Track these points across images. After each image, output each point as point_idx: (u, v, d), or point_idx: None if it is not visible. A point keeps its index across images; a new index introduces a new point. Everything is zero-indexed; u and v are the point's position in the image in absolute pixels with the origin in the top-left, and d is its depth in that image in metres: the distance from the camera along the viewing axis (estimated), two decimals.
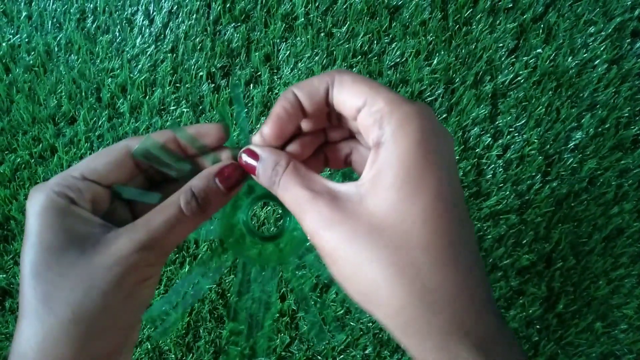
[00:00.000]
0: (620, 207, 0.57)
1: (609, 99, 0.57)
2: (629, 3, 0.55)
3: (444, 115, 0.57)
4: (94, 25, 0.58)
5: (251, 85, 0.58)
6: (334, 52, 0.57)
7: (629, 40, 0.56)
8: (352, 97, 0.25)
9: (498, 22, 0.56)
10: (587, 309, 0.58)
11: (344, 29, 0.57)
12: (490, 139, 0.57)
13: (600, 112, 0.57)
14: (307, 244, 0.34)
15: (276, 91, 0.58)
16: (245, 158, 0.28)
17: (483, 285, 0.23)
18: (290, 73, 0.57)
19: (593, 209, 0.58)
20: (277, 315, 0.59)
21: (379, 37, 0.57)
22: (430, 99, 0.57)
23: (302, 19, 0.57)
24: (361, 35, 0.57)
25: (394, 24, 0.57)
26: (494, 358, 0.22)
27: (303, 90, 0.26)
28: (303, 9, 0.57)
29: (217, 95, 0.58)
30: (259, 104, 0.58)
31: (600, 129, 0.57)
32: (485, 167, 0.58)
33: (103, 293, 0.25)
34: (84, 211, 0.27)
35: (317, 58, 0.57)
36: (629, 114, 0.57)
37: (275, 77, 0.58)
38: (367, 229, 0.23)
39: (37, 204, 0.26)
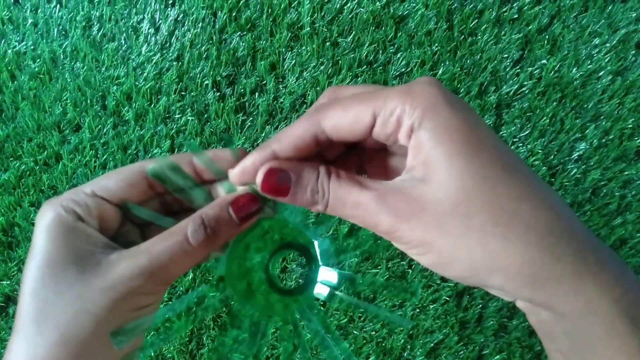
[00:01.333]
0: (624, 217, 0.58)
1: (613, 110, 0.57)
2: (633, 15, 0.56)
3: None
4: (99, 33, 0.59)
5: (256, 94, 0.58)
6: (340, 62, 0.57)
7: (633, 52, 0.56)
8: (354, 121, 0.23)
9: (503, 33, 0.56)
10: None
11: (350, 38, 0.57)
12: None
13: (604, 123, 0.57)
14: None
15: (281, 100, 0.58)
16: (272, 179, 0.24)
17: (584, 228, 0.22)
18: (295, 82, 0.58)
19: (596, 219, 0.58)
20: (280, 323, 0.59)
21: (385, 46, 0.57)
22: None
23: (308, 28, 0.57)
24: (367, 45, 0.57)
25: (400, 33, 0.57)
26: (626, 290, 0.21)
27: (285, 147, 0.25)
28: (309, 18, 0.57)
29: (222, 103, 0.58)
30: (264, 112, 0.58)
31: (604, 140, 0.57)
32: None
33: (94, 317, 0.24)
34: (90, 229, 0.26)
35: (322, 67, 0.57)
36: (632, 125, 0.57)
37: (280, 85, 0.58)
38: (450, 208, 0.22)
39: (45, 218, 0.26)
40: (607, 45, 0.57)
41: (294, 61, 0.58)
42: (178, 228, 0.26)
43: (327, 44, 0.58)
